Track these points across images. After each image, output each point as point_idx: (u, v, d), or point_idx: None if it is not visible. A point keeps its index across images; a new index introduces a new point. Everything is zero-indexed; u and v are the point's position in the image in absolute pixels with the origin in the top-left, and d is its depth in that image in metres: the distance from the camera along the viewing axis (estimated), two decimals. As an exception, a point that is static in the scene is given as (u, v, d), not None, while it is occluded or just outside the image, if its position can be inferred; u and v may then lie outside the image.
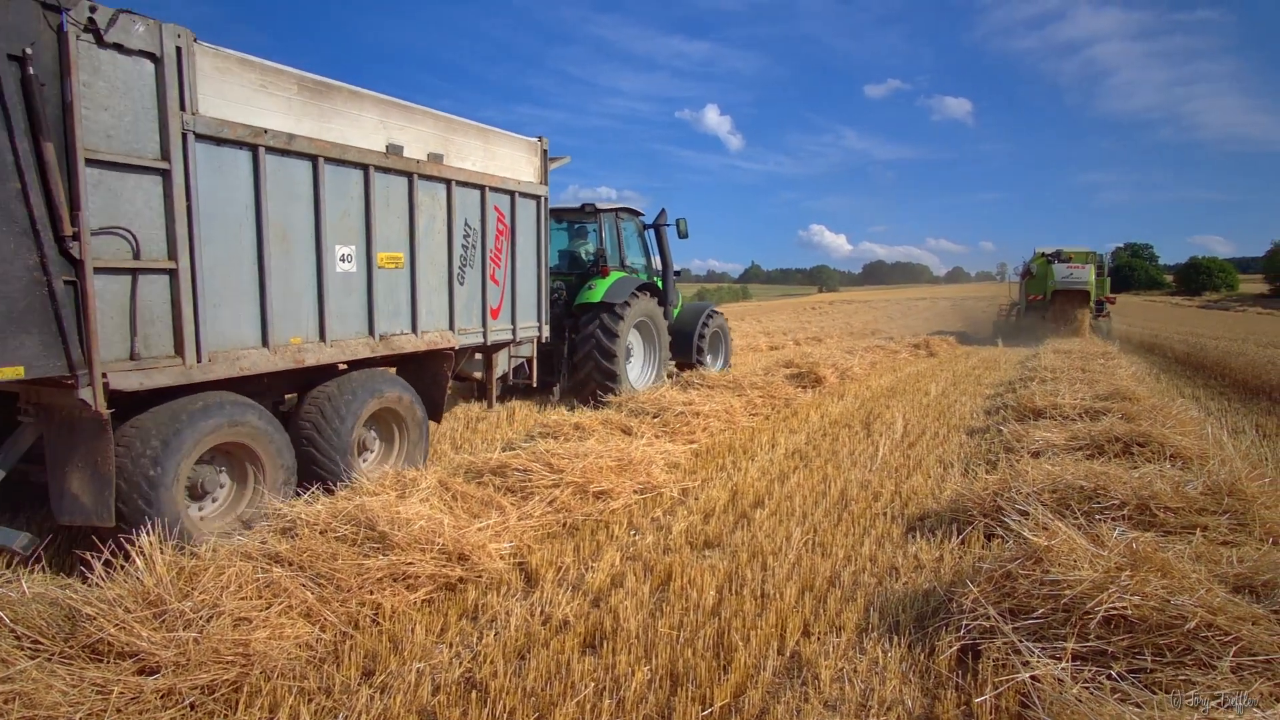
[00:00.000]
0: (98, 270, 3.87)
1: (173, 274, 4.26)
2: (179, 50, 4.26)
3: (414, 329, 6.12)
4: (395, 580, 3.72)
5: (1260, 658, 2.69)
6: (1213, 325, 37.07)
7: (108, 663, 2.81)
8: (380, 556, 3.76)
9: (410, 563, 3.77)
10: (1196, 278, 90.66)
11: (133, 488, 3.99)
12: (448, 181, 6.40)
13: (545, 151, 7.83)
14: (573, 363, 9.17)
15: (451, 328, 6.53)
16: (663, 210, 10.85)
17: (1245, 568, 3.31)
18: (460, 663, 3.16)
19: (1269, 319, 50.12)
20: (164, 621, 2.95)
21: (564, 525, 4.91)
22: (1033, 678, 2.79)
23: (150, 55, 4.14)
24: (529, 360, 8.11)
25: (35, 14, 3.60)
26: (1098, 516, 4.20)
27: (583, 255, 10.22)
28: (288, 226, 5.03)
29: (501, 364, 7.82)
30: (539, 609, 3.68)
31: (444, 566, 3.88)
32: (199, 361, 4.39)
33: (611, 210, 10.10)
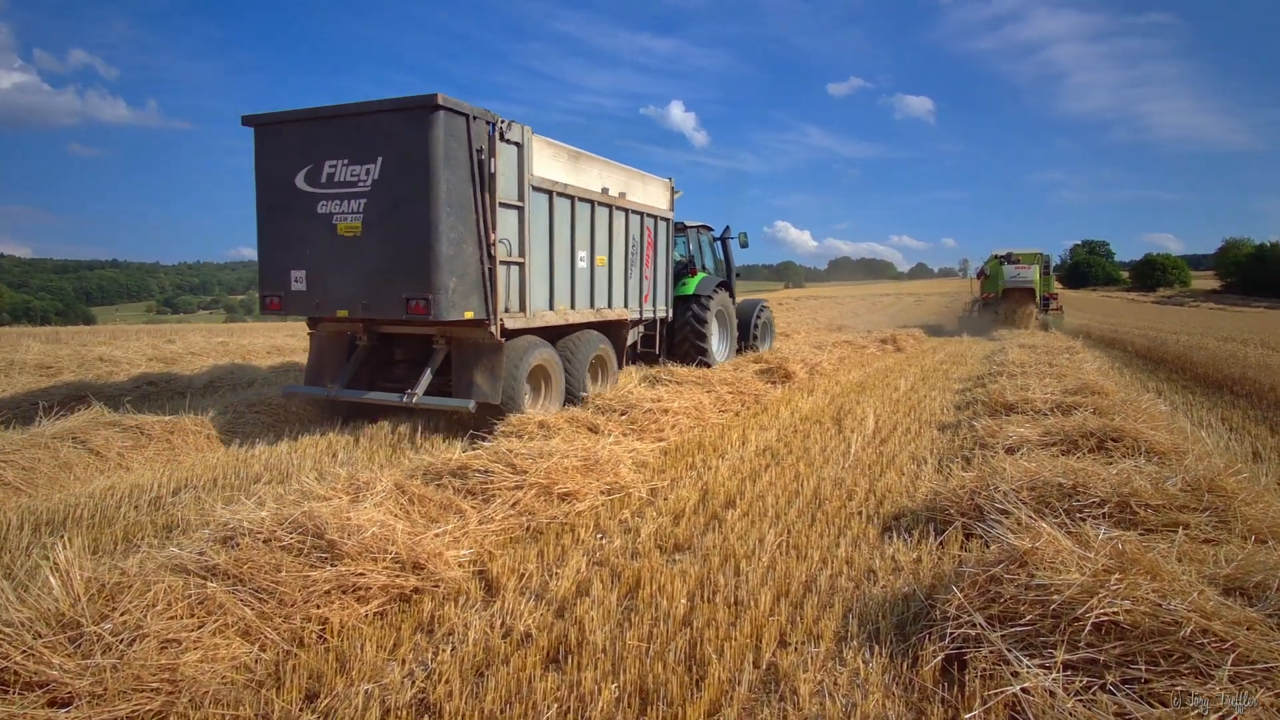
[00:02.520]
0: (501, 262, 7.22)
1: (521, 266, 7.63)
2: (526, 139, 7.50)
3: (609, 305, 9.63)
4: (344, 592, 3.47)
5: (1259, 665, 2.56)
6: (1169, 320, 37.90)
7: (13, 694, 2.53)
8: (328, 567, 3.50)
9: (361, 573, 3.52)
10: (1151, 274, 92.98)
11: (510, 381, 7.26)
12: (626, 210, 9.88)
13: (673, 188, 11.46)
14: (673, 339, 11.83)
15: (627, 306, 10.09)
16: (727, 226, 14.09)
17: (1234, 568, 3.20)
18: (413, 682, 2.92)
19: (1221, 314, 51.49)
20: (79, 647, 2.66)
21: (527, 529, 4.68)
22: (1023, 690, 2.64)
23: (516, 144, 7.40)
24: (657, 334, 11.34)
25: (485, 130, 6.93)
26: (1079, 515, 4.09)
27: (676, 259, 12.88)
28: (560, 240, 8.34)
29: (636, 334, 10.88)
30: (499, 620, 3.45)
31: (397, 576, 3.63)
32: (527, 315, 7.76)
33: (695, 227, 13.24)
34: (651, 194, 10.69)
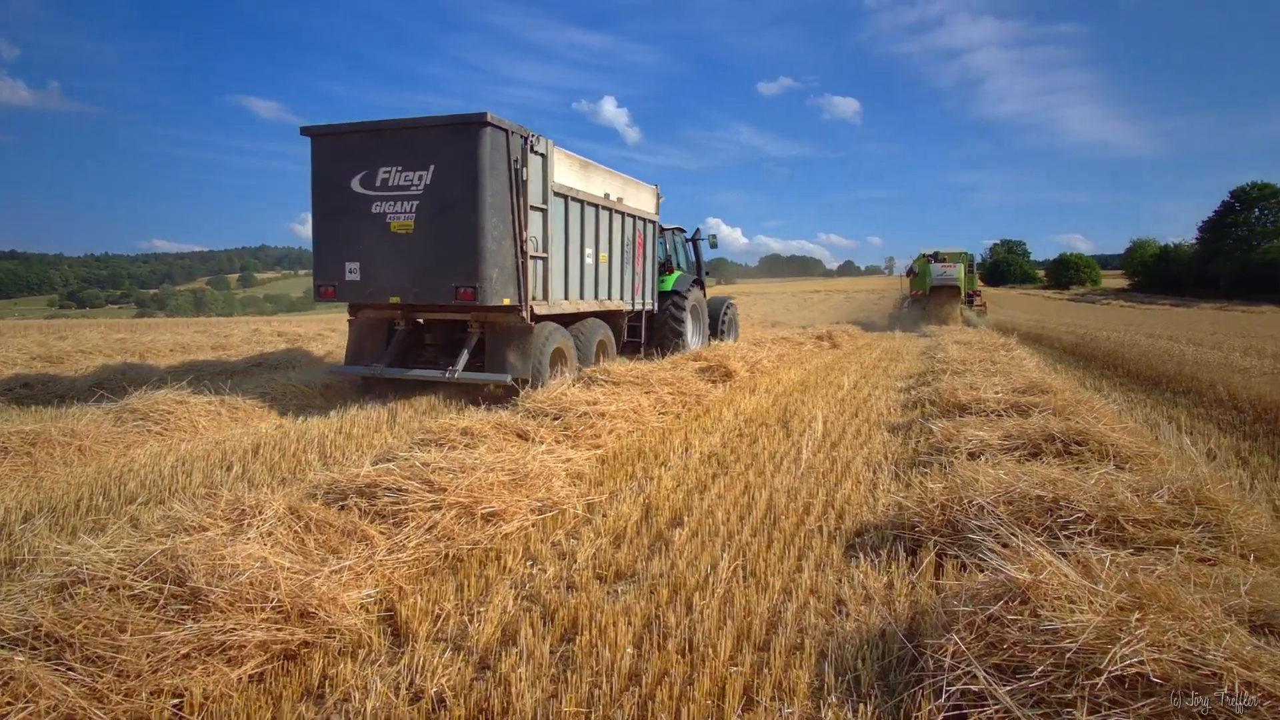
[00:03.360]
0: (530, 257, 8.43)
1: (545, 260, 8.83)
2: (549, 151, 8.75)
3: (610, 297, 10.83)
4: (210, 654, 2.79)
5: (1321, 730, 2.15)
6: (1085, 316, 39.24)
7: None
8: (190, 623, 2.82)
9: (232, 629, 2.85)
10: (1065, 272, 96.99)
11: (537, 360, 8.43)
12: (623, 213, 11.10)
13: (659, 193, 12.84)
14: (655, 330, 12.85)
15: (622, 298, 11.30)
16: (698, 229, 15.38)
17: (1255, 599, 2.82)
18: (290, 776, 2.29)
19: (1132, 310, 53.78)
20: None
21: (446, 558, 4.05)
22: (1045, 765, 2.18)
23: (542, 155, 8.64)
24: (642, 325, 12.40)
25: (522, 147, 8.12)
26: (1064, 533, 3.70)
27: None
28: (573, 238, 9.55)
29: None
30: (407, 679, 2.83)
31: (280, 629, 2.97)
32: (549, 303, 8.94)
33: (671, 229, 14.33)
34: (642, 199, 12.17)
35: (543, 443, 5.95)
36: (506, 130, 8.03)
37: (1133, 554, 3.54)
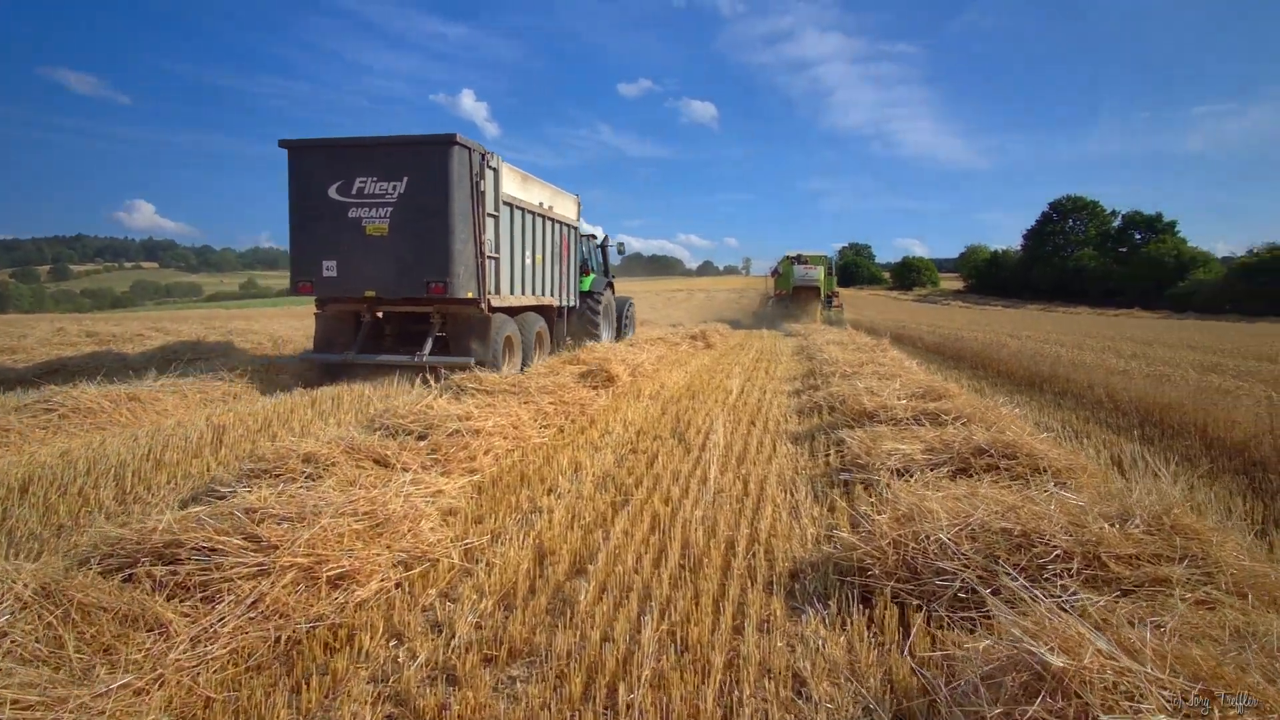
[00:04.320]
0: (487, 257, 9.86)
1: (497, 260, 10.23)
2: (500, 165, 10.16)
3: (544, 293, 12.20)
4: None
5: None
6: (932, 315, 41.47)
7: None
8: None
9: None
10: (908, 275, 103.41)
11: (494, 346, 9.86)
12: (553, 220, 12.52)
13: (579, 202, 14.06)
14: (574, 325, 14.20)
15: (553, 295, 12.64)
16: (606, 236, 17.03)
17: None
18: None
19: (971, 310, 57.68)
20: None
21: (277, 643, 3.01)
22: None
23: (494, 169, 10.02)
24: (565, 320, 13.65)
25: (480, 163, 9.56)
26: (1044, 576, 3.16)
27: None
28: (517, 242, 10.97)
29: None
30: None
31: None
32: (500, 297, 10.30)
33: (586, 235, 15.56)
34: (567, 207, 13.43)
35: (407, 470, 4.92)
36: (470, 149, 9.42)
37: (1119, 596, 3.06)
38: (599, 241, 16.70)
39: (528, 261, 11.46)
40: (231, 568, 3.18)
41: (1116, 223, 78.49)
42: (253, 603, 3.08)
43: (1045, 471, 4.67)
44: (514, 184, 10.84)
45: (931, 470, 4.93)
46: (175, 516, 3.53)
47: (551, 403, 7.63)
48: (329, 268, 9.58)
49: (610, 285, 16.30)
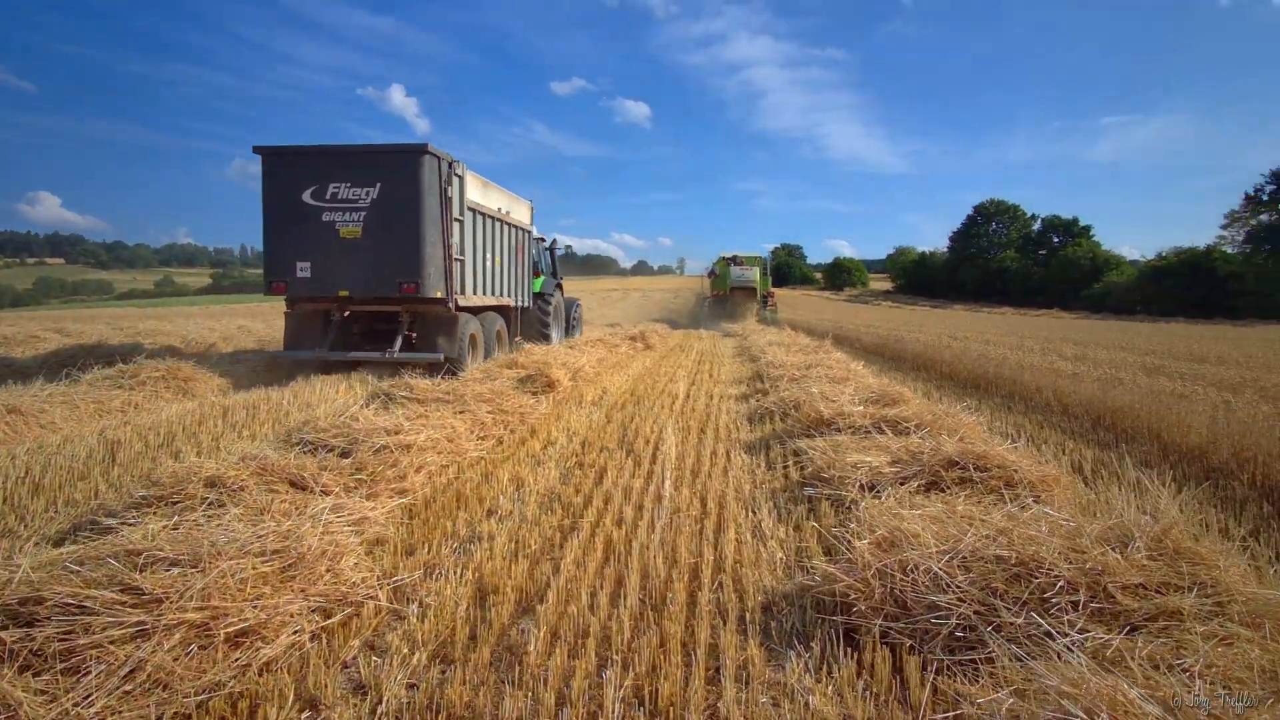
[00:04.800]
0: (454, 259, 10.35)
1: (462, 263, 10.76)
2: (464, 172, 10.66)
3: (503, 294, 12.86)
4: None
5: None
6: (865, 315, 42.12)
7: None
8: None
9: None
10: (839, 275, 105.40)
11: (460, 343, 10.42)
12: (510, 224, 13.10)
13: (533, 207, 14.74)
14: (527, 324, 14.66)
15: (510, 295, 13.25)
16: (555, 239, 17.64)
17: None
18: None
19: (900, 310, 58.97)
20: None
21: (159, 724, 2.47)
22: None
23: (460, 176, 10.53)
24: (518, 319, 14.07)
25: (448, 171, 10.10)
26: (1049, 609, 2.85)
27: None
28: (479, 245, 11.60)
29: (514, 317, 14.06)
30: None
31: None
32: (465, 297, 10.85)
33: (537, 238, 15.93)
34: (522, 212, 13.98)
35: (327, 494, 4.38)
36: (439, 157, 9.92)
37: (1129, 631, 2.77)
38: (548, 244, 17.24)
39: (489, 264, 12.08)
40: (103, 629, 2.62)
41: (1036, 226, 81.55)
42: (129, 673, 2.52)
43: (1019, 484, 4.42)
44: (476, 190, 11.39)
45: (901, 484, 4.62)
46: (36, 562, 2.94)
47: (489, 411, 7.10)
48: (303, 269, 9.99)
49: (559, 287, 16.96)
